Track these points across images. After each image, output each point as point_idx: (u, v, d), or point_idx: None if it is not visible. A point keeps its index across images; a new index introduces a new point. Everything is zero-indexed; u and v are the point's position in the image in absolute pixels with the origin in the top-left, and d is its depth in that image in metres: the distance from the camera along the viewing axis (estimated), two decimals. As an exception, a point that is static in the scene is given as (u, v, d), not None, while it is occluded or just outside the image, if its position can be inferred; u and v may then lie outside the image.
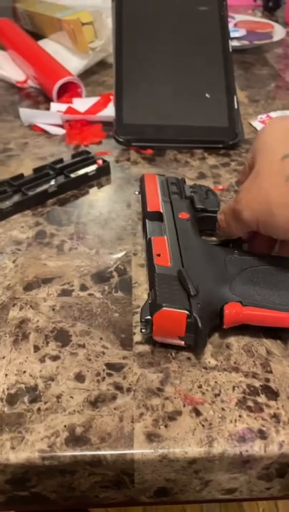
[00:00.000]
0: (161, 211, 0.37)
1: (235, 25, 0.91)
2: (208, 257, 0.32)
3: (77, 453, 0.24)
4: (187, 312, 0.27)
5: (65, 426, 0.25)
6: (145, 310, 0.28)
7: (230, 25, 0.91)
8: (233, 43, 0.84)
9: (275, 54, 0.86)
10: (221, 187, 0.46)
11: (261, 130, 0.33)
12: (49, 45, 0.77)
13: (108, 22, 0.66)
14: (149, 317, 0.28)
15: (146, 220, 0.37)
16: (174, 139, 0.53)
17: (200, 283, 0.29)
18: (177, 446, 0.24)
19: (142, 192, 0.40)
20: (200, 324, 0.27)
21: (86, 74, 0.73)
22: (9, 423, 0.25)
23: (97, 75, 0.74)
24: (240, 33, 0.86)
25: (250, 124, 0.59)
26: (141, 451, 0.24)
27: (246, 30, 0.89)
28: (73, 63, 0.72)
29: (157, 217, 0.37)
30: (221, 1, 0.58)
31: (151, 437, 0.25)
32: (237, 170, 0.50)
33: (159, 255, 0.32)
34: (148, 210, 0.38)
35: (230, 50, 0.57)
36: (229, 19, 0.93)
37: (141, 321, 0.28)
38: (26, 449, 0.24)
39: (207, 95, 0.55)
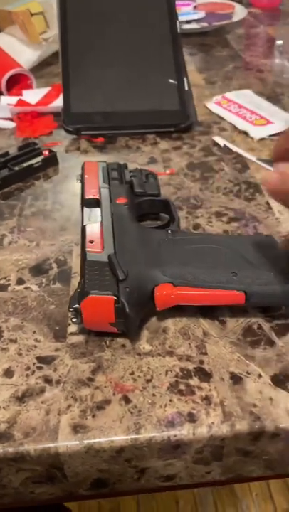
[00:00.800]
0: (99, 197, 0.36)
1: (195, 7, 0.90)
2: (141, 241, 0.31)
3: (0, 450, 0.23)
4: (115, 297, 0.26)
5: (-12, 423, 0.24)
6: (74, 299, 0.28)
7: (190, 8, 0.89)
8: (192, 26, 0.83)
9: (237, 34, 0.85)
10: (168, 171, 0.45)
11: None
12: (3, 39, 0.75)
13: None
14: (77, 306, 0.27)
15: (84, 208, 0.36)
16: (124, 125, 0.52)
17: (131, 267, 0.28)
18: (103, 436, 0.24)
19: (82, 180, 0.39)
20: (127, 309, 0.26)
21: (41, 65, 0.71)
22: None
23: (53, 66, 0.72)
24: (199, 15, 0.84)
25: (205, 106, 0.58)
26: (65, 443, 0.24)
27: (206, 12, 0.87)
28: (27, 55, 0.71)
29: (94, 203, 0.36)
30: (167, -19, 0.57)
31: (76, 429, 0.24)
32: (188, 153, 0.49)
33: (91, 242, 0.31)
34: (85, 197, 0.37)
35: (179, 31, 0.56)
36: (189, 1, 0.92)
37: (70, 311, 0.28)
38: None
39: (156, 79, 0.53)
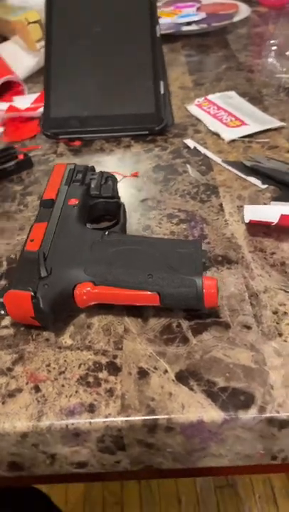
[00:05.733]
0: (55, 199, 0.38)
1: (199, 8, 0.90)
2: (77, 241, 0.33)
3: None
4: (31, 293, 0.28)
5: None
6: (1, 293, 0.30)
7: (192, 10, 0.90)
8: (191, 27, 0.84)
9: (238, 34, 0.85)
10: (132, 174, 0.47)
11: None
12: (8, 48, 0.79)
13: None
14: (1, 300, 0.29)
15: (41, 207, 0.38)
16: (99, 129, 0.54)
17: (58, 266, 0.30)
18: (7, 421, 0.26)
19: (48, 181, 0.42)
20: (41, 304, 0.28)
21: (40, 71, 0.74)
22: None
23: (51, 71, 0.75)
24: (199, 16, 0.85)
25: (186, 109, 0.59)
26: (-26, 426, 0.26)
27: (208, 12, 0.88)
28: (26, 62, 0.74)
29: (50, 204, 0.38)
30: (149, -13, 0.58)
31: (-15, 413, 0.26)
32: (158, 155, 0.50)
33: (32, 240, 0.33)
34: (42, 198, 0.39)
35: (158, 35, 0.57)
36: (192, 3, 0.92)
37: None
38: None
39: (133, 83, 0.55)
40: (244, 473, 0.49)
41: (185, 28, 0.83)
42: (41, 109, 0.61)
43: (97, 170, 0.45)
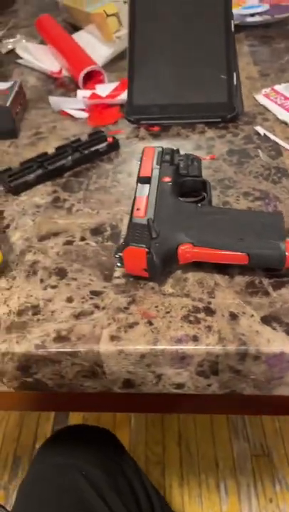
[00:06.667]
0: (150, 176, 0.46)
1: (261, 0, 0.94)
2: (175, 211, 0.40)
3: (61, 347, 0.34)
4: (146, 249, 0.36)
5: (54, 330, 0.35)
6: (118, 249, 0.38)
7: (255, 1, 0.94)
8: (255, 19, 0.88)
9: (300, 25, 0.88)
10: (209, 157, 0.53)
11: None
12: (83, 37, 0.86)
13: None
14: (120, 254, 0.37)
15: (138, 183, 0.45)
16: (177, 116, 0.60)
17: (163, 230, 0.38)
18: (131, 344, 0.34)
19: (140, 161, 0.49)
20: (155, 258, 0.36)
21: (114, 60, 0.81)
22: (17, 327, 0.36)
23: (124, 60, 0.81)
24: (263, 8, 0.88)
25: (254, 98, 0.64)
26: (105, 346, 0.34)
27: (271, 4, 0.91)
28: (102, 52, 0.81)
29: (146, 180, 0.45)
30: (225, -16, 0.63)
31: (113, 338, 0.34)
32: (230, 141, 0.56)
33: (138, 209, 0.41)
34: (139, 175, 0.46)
35: (233, 29, 0.62)
36: (256, -6, 0.96)
37: (115, 257, 0.38)
38: (26, 343, 0.35)
39: (208, 73, 0.61)
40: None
41: (249, 19, 0.87)
42: (120, 97, 0.68)
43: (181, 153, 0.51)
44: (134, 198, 0.43)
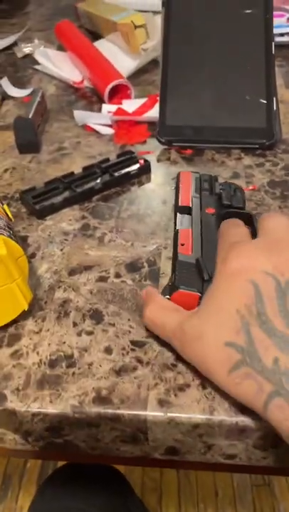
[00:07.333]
0: (191, 206, 0.42)
1: (288, 19, 0.91)
2: None
3: (101, 410, 0.30)
4: (199, 294, 0.32)
5: (93, 388, 0.31)
6: (165, 291, 0.33)
7: (283, 20, 0.91)
8: (284, 39, 0.85)
9: None
10: (251, 187, 0.50)
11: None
12: (105, 46, 0.82)
13: (159, 22, 0.69)
14: (168, 296, 0.33)
15: (177, 214, 0.41)
16: (212, 140, 0.56)
17: (211, 269, 0.34)
18: (183, 412, 0.29)
19: (177, 188, 0.45)
20: None
21: (138, 73, 0.77)
22: (49, 382, 0.31)
23: (148, 74, 0.78)
24: (292, 28, 0.86)
25: (291, 124, 0.61)
26: (152, 413, 0.29)
27: (300, 24, 0.89)
28: (126, 63, 0.77)
29: (187, 211, 0.41)
30: (267, 3, 0.60)
31: (162, 403, 0.30)
32: (270, 170, 0.52)
33: (182, 245, 0.37)
34: (179, 204, 0.42)
35: (273, 52, 0.59)
36: (282, 12, 0.93)
37: None
38: (61, 403, 0.30)
39: (247, 97, 0.57)
40: None
41: (278, 39, 0.84)
42: (148, 114, 0.64)
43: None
44: (176, 230, 0.39)
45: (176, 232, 0.39)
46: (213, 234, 0.38)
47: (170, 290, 0.33)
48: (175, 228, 0.40)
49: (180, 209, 0.42)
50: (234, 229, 0.35)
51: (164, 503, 1.13)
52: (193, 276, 0.34)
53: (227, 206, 0.43)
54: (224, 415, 0.29)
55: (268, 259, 0.28)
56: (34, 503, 0.61)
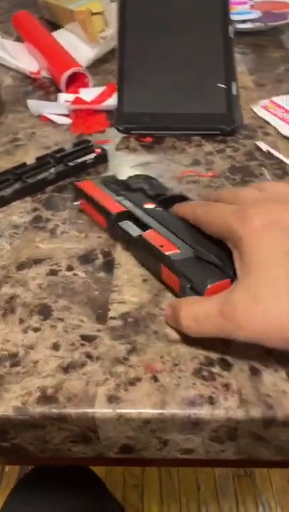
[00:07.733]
0: (126, 209, 0.38)
1: (252, 6, 0.90)
2: (198, 229, 0.34)
3: (46, 410, 0.28)
4: (229, 278, 0.30)
5: (38, 387, 0.29)
6: (190, 295, 0.31)
7: (246, 7, 0.90)
8: (247, 25, 0.84)
9: (292, 35, 0.85)
10: (211, 174, 0.48)
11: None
12: (63, 36, 0.80)
13: (117, 10, 0.67)
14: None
15: (118, 224, 0.38)
16: (171, 127, 0.55)
17: (213, 252, 0.32)
18: (133, 408, 0.28)
19: (90, 200, 0.40)
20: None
21: (97, 62, 0.75)
22: (-9, 383, 0.29)
23: (108, 63, 0.76)
24: (255, 14, 0.85)
25: (252, 110, 0.60)
26: (100, 410, 0.28)
27: (262, 11, 0.88)
28: (85, 52, 0.75)
29: (126, 215, 0.38)
30: (223, -14, 0.59)
31: (111, 399, 0.28)
32: (231, 156, 0.51)
33: (162, 246, 0.34)
34: (115, 212, 0.38)
35: (232, 36, 0.58)
36: (245, 0, 0.92)
37: None
38: (3, 405, 0.28)
39: (205, 82, 0.56)
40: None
41: (240, 26, 0.83)
42: (107, 103, 0.62)
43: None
44: (138, 237, 0.36)
45: (140, 240, 0.35)
46: (177, 224, 0.36)
47: (197, 291, 0.30)
48: (130, 237, 0.36)
49: (118, 216, 0.38)
50: (216, 206, 0.33)
51: (146, 500, 1.12)
52: (205, 267, 0.31)
53: (155, 196, 0.41)
54: (176, 409, 0.27)
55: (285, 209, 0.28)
56: (3, 507, 0.59)
